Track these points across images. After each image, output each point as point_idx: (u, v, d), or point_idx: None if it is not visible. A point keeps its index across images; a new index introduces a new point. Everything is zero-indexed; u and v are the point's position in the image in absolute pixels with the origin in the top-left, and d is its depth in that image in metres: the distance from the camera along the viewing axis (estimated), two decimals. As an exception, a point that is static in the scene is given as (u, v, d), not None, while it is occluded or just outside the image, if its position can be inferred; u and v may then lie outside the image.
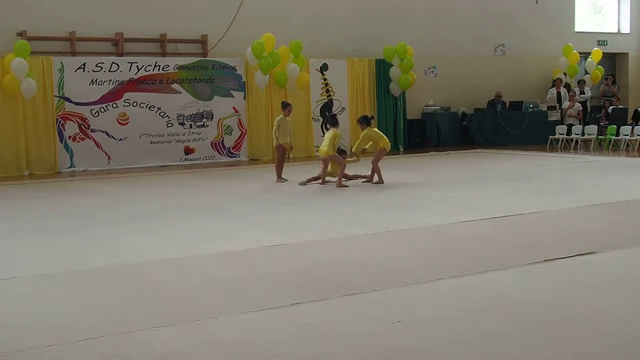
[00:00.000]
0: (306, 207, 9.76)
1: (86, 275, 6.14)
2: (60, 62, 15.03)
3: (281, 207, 9.74)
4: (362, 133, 11.96)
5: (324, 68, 18.01)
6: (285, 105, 12.76)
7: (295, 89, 17.19)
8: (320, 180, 11.89)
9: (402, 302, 5.12)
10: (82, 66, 15.17)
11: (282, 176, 12.53)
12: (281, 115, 12.59)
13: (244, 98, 16.95)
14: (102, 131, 15.41)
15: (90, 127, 15.30)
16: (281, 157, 12.62)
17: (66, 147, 15.11)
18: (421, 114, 19.88)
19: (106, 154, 15.48)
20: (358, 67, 18.43)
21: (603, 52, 22.03)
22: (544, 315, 4.75)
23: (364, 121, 12.02)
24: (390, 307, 5.01)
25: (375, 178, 11.81)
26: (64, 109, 15.06)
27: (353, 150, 12.43)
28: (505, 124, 19.60)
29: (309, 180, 11.95)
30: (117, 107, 15.54)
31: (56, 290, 5.72)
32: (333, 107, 18.13)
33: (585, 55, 21.56)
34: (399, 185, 11.70)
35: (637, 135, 17.31)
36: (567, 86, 20.59)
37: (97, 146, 15.38)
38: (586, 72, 21.46)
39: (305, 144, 17.66)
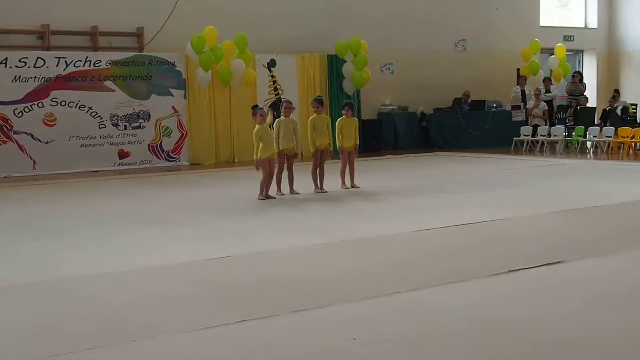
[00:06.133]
0: (253, 216, 9.73)
1: (10, 292, 6.02)
2: (-21, 57, 14.78)
3: (226, 216, 9.70)
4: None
5: (272, 64, 18.00)
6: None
7: (240, 87, 17.15)
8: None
9: (357, 318, 5.14)
10: (4, 61, 14.88)
11: (322, 187, 11.61)
12: (315, 115, 11.73)
13: (185, 97, 16.84)
14: (26, 133, 15.14)
15: (14, 129, 15.02)
16: (318, 164, 11.60)
17: (-15, 151, 14.86)
18: (377, 114, 20.00)
19: (31, 158, 15.21)
20: (309, 63, 18.47)
21: (569, 49, 22.47)
22: (510, 330, 4.81)
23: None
24: (345, 323, 5.02)
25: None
26: (-17, 109, 14.82)
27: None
28: (467, 125, 19.84)
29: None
30: (44, 106, 15.29)
31: (-25, 310, 5.60)
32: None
33: (550, 51, 21.95)
34: (352, 192, 11.74)
35: (606, 136, 17.67)
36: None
37: (21, 150, 15.11)
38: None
39: (252, 146, 17.49)
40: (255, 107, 11.61)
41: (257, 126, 11.05)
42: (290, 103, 11.74)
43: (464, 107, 20.21)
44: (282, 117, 11.50)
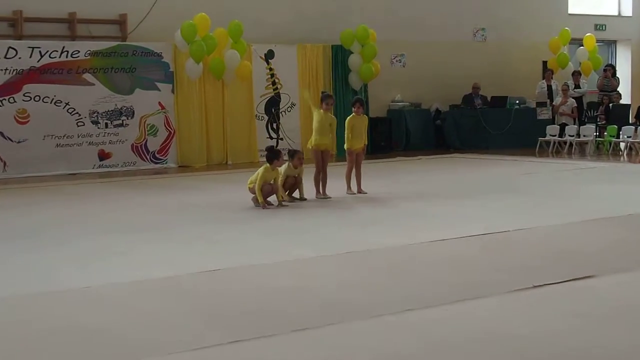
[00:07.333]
0: (248, 224, 9.73)
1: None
2: (-56, 46, 14.85)
3: (218, 224, 9.70)
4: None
5: (269, 55, 18.02)
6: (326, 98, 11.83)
7: (234, 80, 17.17)
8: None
9: (364, 338, 5.14)
10: (-29, 51, 14.98)
11: (325, 192, 11.65)
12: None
13: (172, 91, 16.87)
14: (-4, 131, 15.21)
15: (-19, 126, 15.10)
16: (320, 167, 11.65)
17: (-50, 151, 14.90)
18: (387, 111, 20.02)
19: (1, 159, 15.26)
20: (311, 54, 18.49)
21: (600, 39, 22.45)
22: (532, 352, 4.81)
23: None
24: (350, 344, 5.02)
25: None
26: (-52, 104, 14.87)
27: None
28: (487, 124, 19.85)
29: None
30: (15, 102, 15.34)
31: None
32: (281, 103, 18.15)
33: (579, 42, 21.94)
34: (359, 197, 11.75)
35: (642, 137, 17.69)
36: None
37: (-10, 150, 15.19)
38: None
39: (247, 146, 17.64)
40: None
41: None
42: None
43: (476, 102, 20.17)
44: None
